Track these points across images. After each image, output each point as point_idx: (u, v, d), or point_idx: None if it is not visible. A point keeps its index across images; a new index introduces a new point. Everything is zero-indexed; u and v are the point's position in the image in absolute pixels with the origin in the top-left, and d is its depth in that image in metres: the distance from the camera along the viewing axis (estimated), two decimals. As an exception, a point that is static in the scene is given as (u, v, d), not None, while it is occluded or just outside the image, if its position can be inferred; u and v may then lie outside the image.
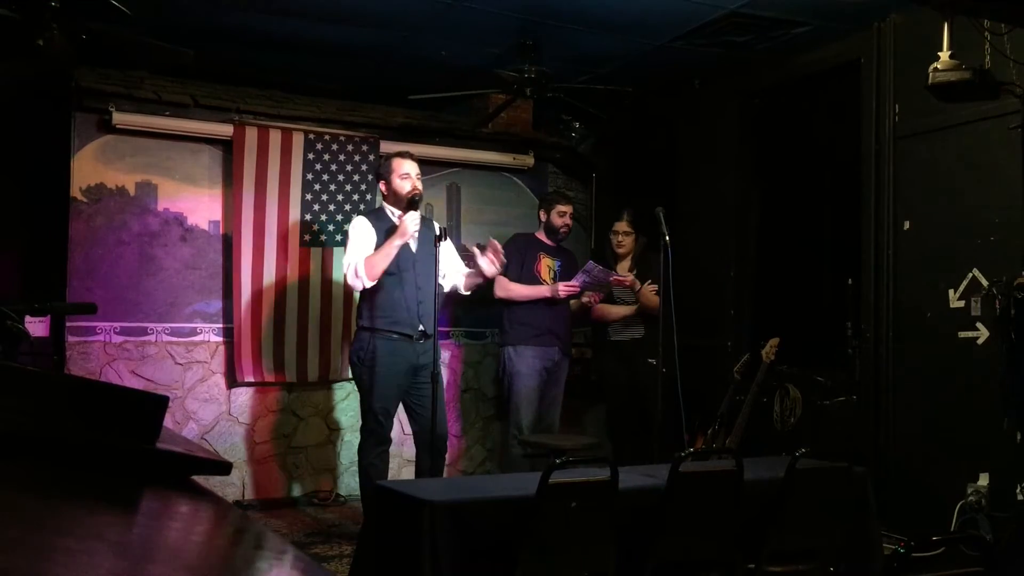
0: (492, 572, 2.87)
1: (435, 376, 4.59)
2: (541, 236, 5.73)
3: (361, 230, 4.68)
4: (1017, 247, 4.36)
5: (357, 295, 5.07)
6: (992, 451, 4.41)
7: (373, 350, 4.63)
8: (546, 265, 5.67)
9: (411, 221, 4.54)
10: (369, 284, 4.57)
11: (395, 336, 4.63)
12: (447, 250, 4.85)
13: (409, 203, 4.63)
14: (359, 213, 4.94)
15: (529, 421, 5.40)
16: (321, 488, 5.92)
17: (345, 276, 4.66)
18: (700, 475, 3.29)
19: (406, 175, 4.71)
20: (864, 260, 5.20)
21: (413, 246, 4.71)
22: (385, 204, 4.84)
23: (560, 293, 5.44)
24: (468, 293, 5.10)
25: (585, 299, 5.61)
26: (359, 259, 4.56)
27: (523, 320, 5.48)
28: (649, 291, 5.57)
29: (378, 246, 4.61)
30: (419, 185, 4.73)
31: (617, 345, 5.76)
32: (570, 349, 5.82)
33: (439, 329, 4.86)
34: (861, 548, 3.63)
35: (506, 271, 5.51)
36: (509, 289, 5.50)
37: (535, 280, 5.58)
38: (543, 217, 5.71)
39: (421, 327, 4.66)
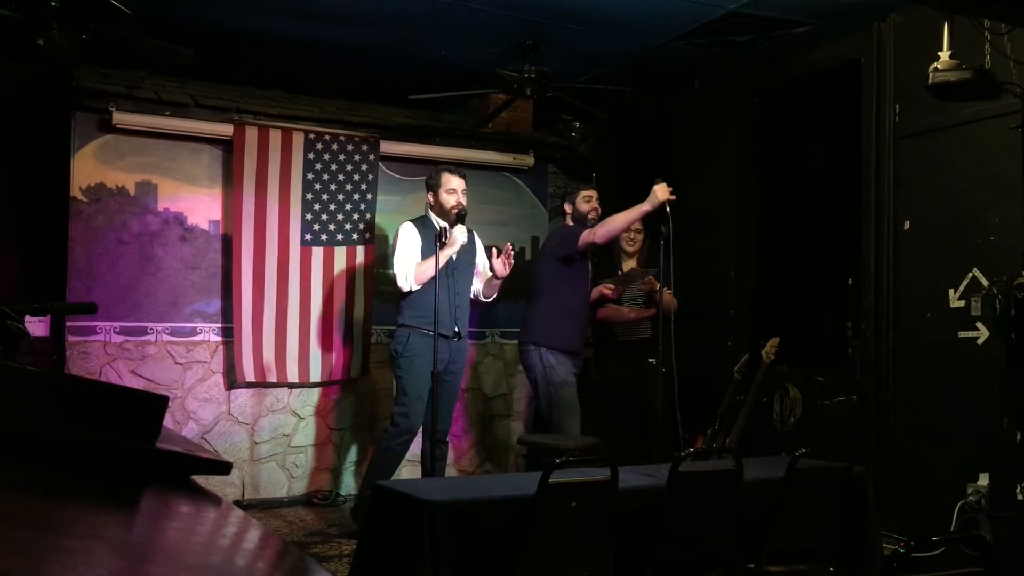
0: (492, 572, 2.87)
1: (435, 375, 4.78)
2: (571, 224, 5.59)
3: (410, 236, 5.00)
4: (1017, 247, 4.36)
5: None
6: (992, 451, 4.41)
7: (414, 346, 4.92)
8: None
9: (460, 234, 4.88)
10: (416, 288, 4.93)
11: (438, 335, 4.86)
12: (480, 256, 5.21)
13: (457, 217, 4.92)
14: (408, 219, 5.15)
15: (578, 429, 5.21)
16: (321, 488, 5.92)
17: (395, 277, 4.99)
18: (700, 475, 3.29)
19: (452, 190, 5.01)
20: (864, 260, 5.20)
21: (453, 255, 4.97)
22: (431, 213, 5.08)
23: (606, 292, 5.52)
24: (488, 300, 5.32)
25: (607, 290, 5.58)
26: (411, 265, 4.92)
27: (565, 331, 5.25)
28: (666, 294, 5.52)
29: (423, 252, 4.93)
30: (463, 200, 5.03)
31: (624, 346, 5.68)
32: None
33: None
34: (861, 548, 3.63)
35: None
36: (607, 223, 5.06)
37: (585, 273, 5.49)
38: (568, 209, 5.51)
39: (456, 328, 4.96)
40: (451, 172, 5.07)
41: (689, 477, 3.14)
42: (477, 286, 5.23)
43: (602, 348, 6.01)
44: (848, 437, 5.15)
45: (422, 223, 5.06)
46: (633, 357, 5.63)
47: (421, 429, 5.05)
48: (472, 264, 5.14)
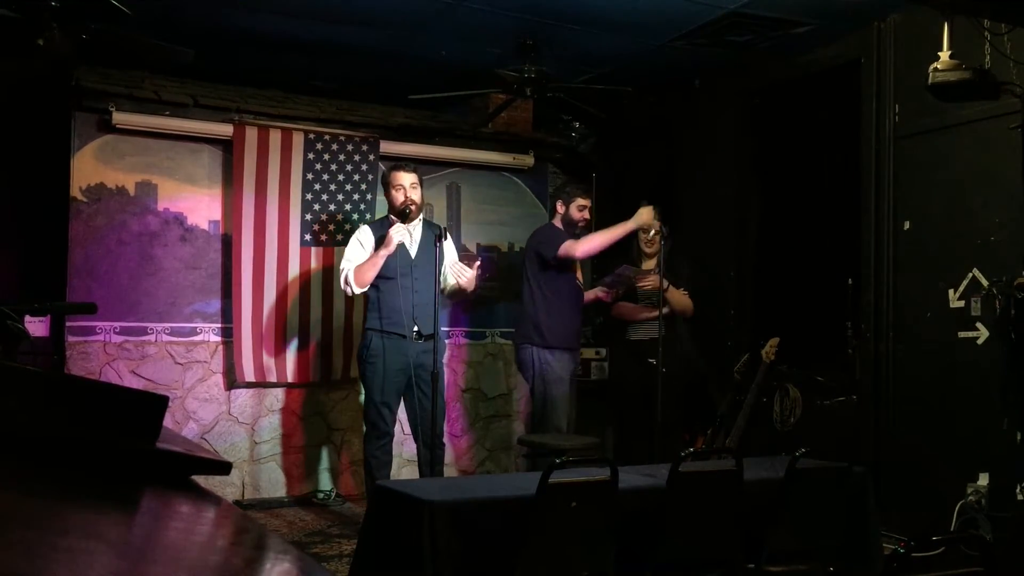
0: (492, 572, 2.87)
1: (435, 375, 4.73)
2: (558, 225, 5.56)
3: (358, 239, 4.92)
4: (1017, 247, 4.36)
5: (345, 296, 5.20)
6: (992, 451, 4.41)
7: (374, 348, 4.85)
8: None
9: (395, 233, 4.73)
10: (358, 291, 4.81)
11: (395, 336, 4.80)
12: (448, 251, 4.99)
13: (400, 214, 4.80)
14: (365, 222, 5.14)
15: (567, 426, 5.27)
16: (321, 488, 5.92)
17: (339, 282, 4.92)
18: (700, 475, 3.29)
19: (399, 186, 4.88)
20: (864, 260, 5.20)
21: (412, 251, 4.89)
22: (389, 213, 4.99)
23: (600, 295, 5.54)
24: (469, 290, 5.04)
25: (602, 293, 5.57)
26: (350, 268, 4.82)
27: (558, 327, 5.25)
28: (681, 294, 5.50)
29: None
30: (413, 195, 4.86)
31: (636, 345, 5.60)
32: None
33: (441, 329, 5.00)
34: (861, 548, 3.63)
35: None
36: (589, 240, 5.17)
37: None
38: (560, 209, 5.41)
39: (416, 328, 4.80)
40: (397, 168, 4.94)
41: (689, 477, 3.14)
42: (452, 281, 4.96)
43: (615, 347, 5.98)
44: (848, 437, 5.15)
45: (380, 225, 4.97)
46: (645, 356, 5.57)
47: (414, 434, 4.98)
48: (432, 262, 4.78)
